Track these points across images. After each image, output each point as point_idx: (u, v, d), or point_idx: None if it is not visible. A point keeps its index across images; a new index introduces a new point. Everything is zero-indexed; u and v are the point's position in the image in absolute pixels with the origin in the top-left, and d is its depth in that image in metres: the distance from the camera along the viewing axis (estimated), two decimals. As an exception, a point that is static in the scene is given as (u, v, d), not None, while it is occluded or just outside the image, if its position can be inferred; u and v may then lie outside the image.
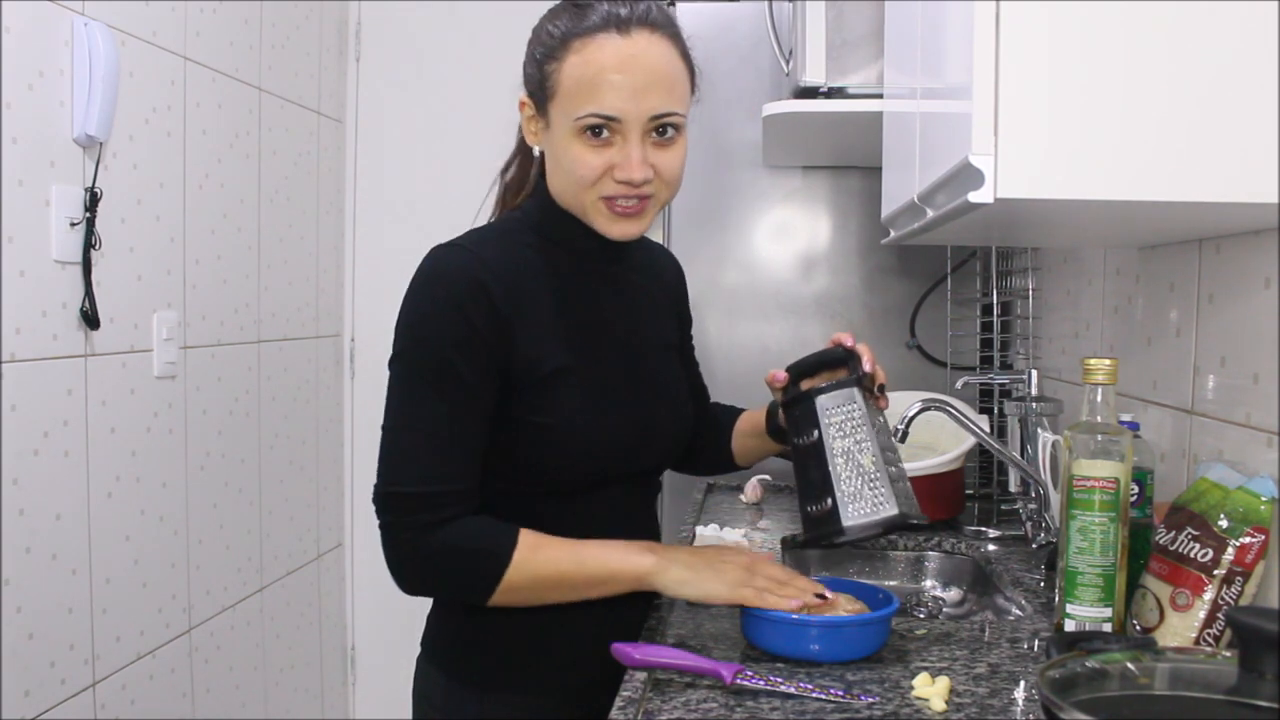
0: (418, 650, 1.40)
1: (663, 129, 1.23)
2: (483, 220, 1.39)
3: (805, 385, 1.36)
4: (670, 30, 1.24)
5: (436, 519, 1.20)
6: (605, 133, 1.21)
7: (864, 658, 1.25)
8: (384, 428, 1.24)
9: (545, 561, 1.22)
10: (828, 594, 1.25)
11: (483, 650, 1.31)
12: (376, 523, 1.24)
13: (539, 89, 1.25)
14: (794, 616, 1.24)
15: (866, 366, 1.32)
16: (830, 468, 1.26)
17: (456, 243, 1.27)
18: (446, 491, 1.21)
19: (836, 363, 1.36)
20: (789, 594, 1.23)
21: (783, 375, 1.38)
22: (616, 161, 1.22)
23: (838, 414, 1.29)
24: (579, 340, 1.29)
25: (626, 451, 1.32)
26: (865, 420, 1.28)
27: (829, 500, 1.25)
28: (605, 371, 1.31)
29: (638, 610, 1.39)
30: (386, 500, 1.22)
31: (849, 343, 1.35)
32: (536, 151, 1.31)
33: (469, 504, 1.23)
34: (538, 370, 1.24)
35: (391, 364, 1.25)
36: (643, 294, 1.43)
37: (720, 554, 1.28)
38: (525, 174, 1.37)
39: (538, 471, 1.27)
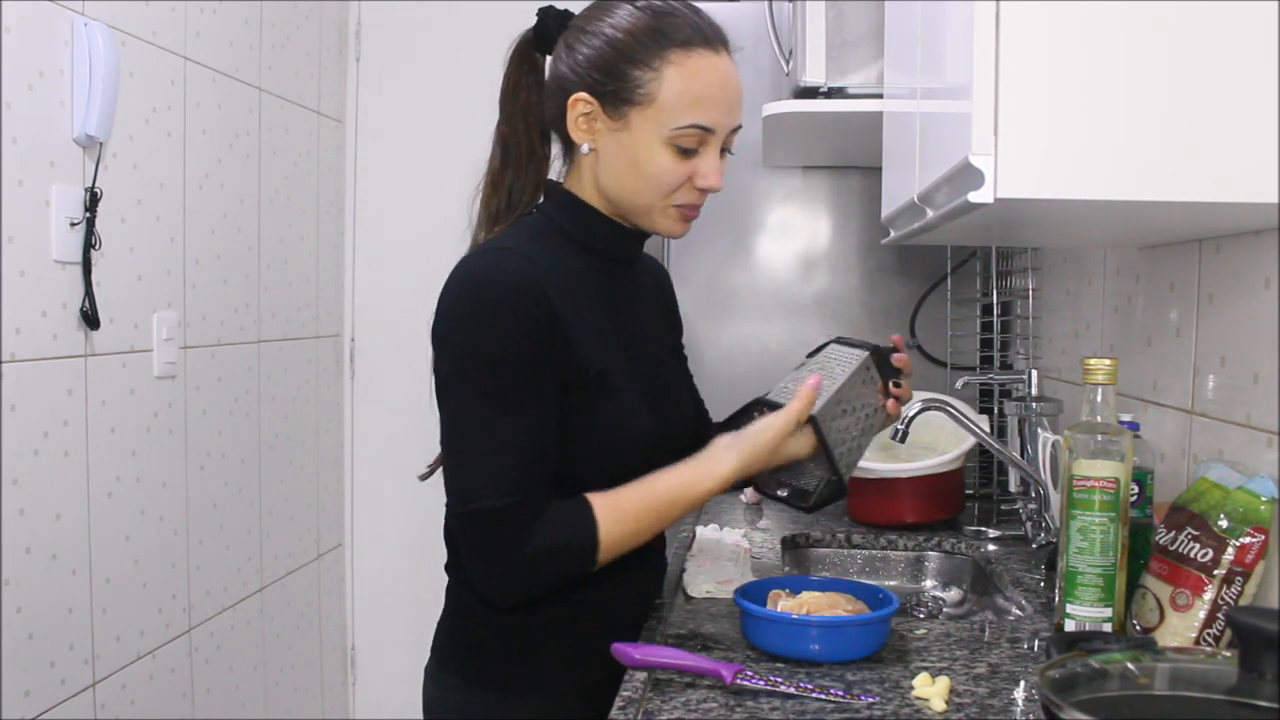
0: (418, 649, 1.40)
1: (727, 146, 1.31)
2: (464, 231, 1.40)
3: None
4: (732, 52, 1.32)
5: (520, 524, 1.20)
6: (691, 149, 1.27)
7: (864, 658, 1.25)
8: (451, 447, 1.23)
9: (627, 514, 1.23)
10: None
11: (497, 653, 1.31)
12: (464, 545, 1.23)
13: (620, 92, 1.25)
14: (794, 616, 1.24)
15: (896, 359, 1.37)
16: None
17: (502, 246, 1.27)
18: (528, 499, 1.20)
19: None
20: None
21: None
22: (700, 171, 1.28)
23: (835, 365, 1.33)
24: (614, 342, 1.31)
25: (655, 452, 1.32)
26: (848, 380, 1.31)
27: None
28: (635, 373, 1.33)
29: (643, 608, 1.40)
30: (469, 519, 1.21)
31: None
32: (585, 149, 1.29)
33: (546, 503, 1.22)
34: (586, 372, 1.25)
35: (452, 376, 1.22)
36: (650, 298, 1.47)
37: (760, 429, 1.27)
38: (534, 176, 1.37)
39: (576, 472, 1.26)
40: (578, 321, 1.25)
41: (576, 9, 1.35)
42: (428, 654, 1.40)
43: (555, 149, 1.38)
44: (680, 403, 1.45)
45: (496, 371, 1.20)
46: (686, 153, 1.27)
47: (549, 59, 1.35)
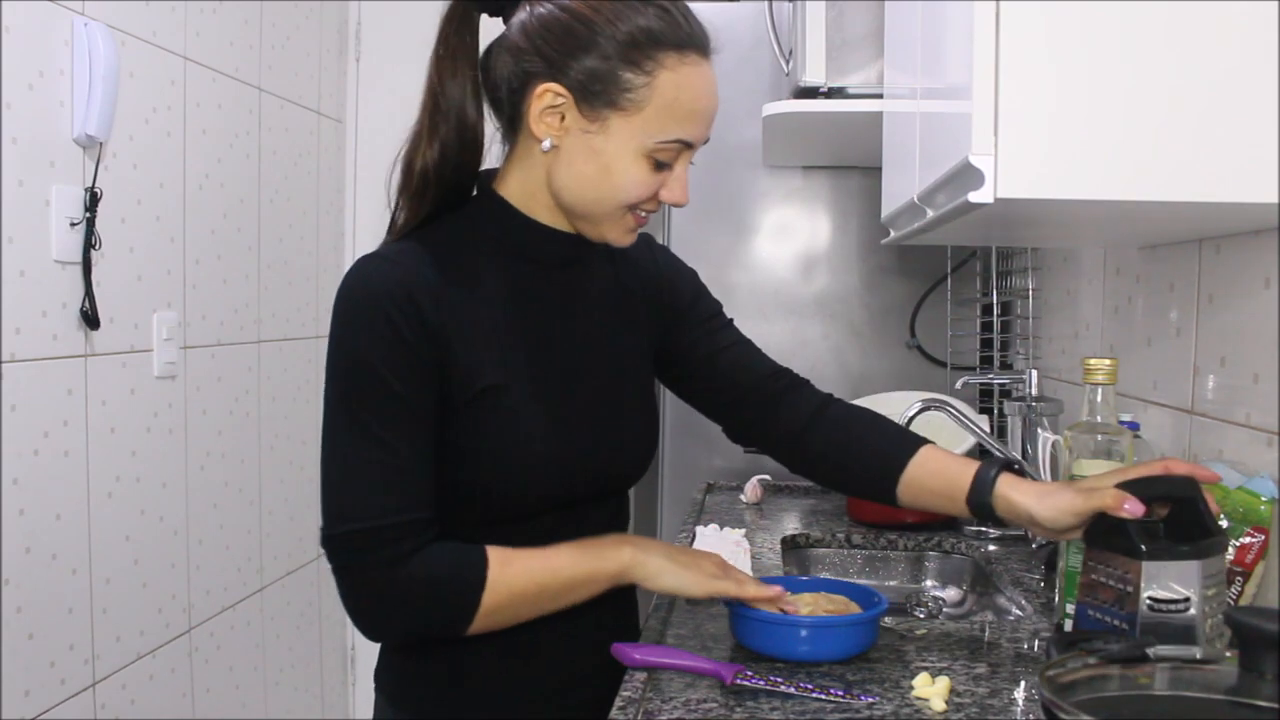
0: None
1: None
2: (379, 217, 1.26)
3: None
4: None
5: (398, 553, 1.09)
6: (672, 158, 1.15)
7: (859, 657, 1.25)
8: (323, 462, 1.12)
9: (520, 574, 1.13)
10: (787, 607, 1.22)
11: (444, 684, 1.22)
12: (332, 568, 1.11)
13: (602, 89, 1.11)
14: (782, 616, 1.24)
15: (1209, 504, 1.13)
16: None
17: (378, 253, 1.16)
18: (405, 522, 1.10)
19: (1180, 498, 1.15)
20: (765, 589, 1.21)
21: (1139, 508, 1.11)
22: (668, 184, 1.16)
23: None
24: (518, 357, 1.18)
25: (564, 477, 1.20)
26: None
27: None
28: (545, 390, 1.19)
29: (624, 612, 1.35)
30: (338, 542, 1.10)
31: (1182, 472, 1.14)
32: (546, 145, 1.14)
33: (429, 532, 1.12)
34: (470, 387, 1.14)
35: (327, 391, 1.13)
36: (606, 303, 1.30)
37: (694, 552, 1.24)
38: (464, 167, 1.20)
39: (473, 499, 1.17)
40: (464, 335, 1.14)
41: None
42: None
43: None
44: (624, 421, 1.27)
45: (361, 387, 1.10)
46: (661, 166, 1.14)
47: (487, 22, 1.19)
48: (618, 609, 1.31)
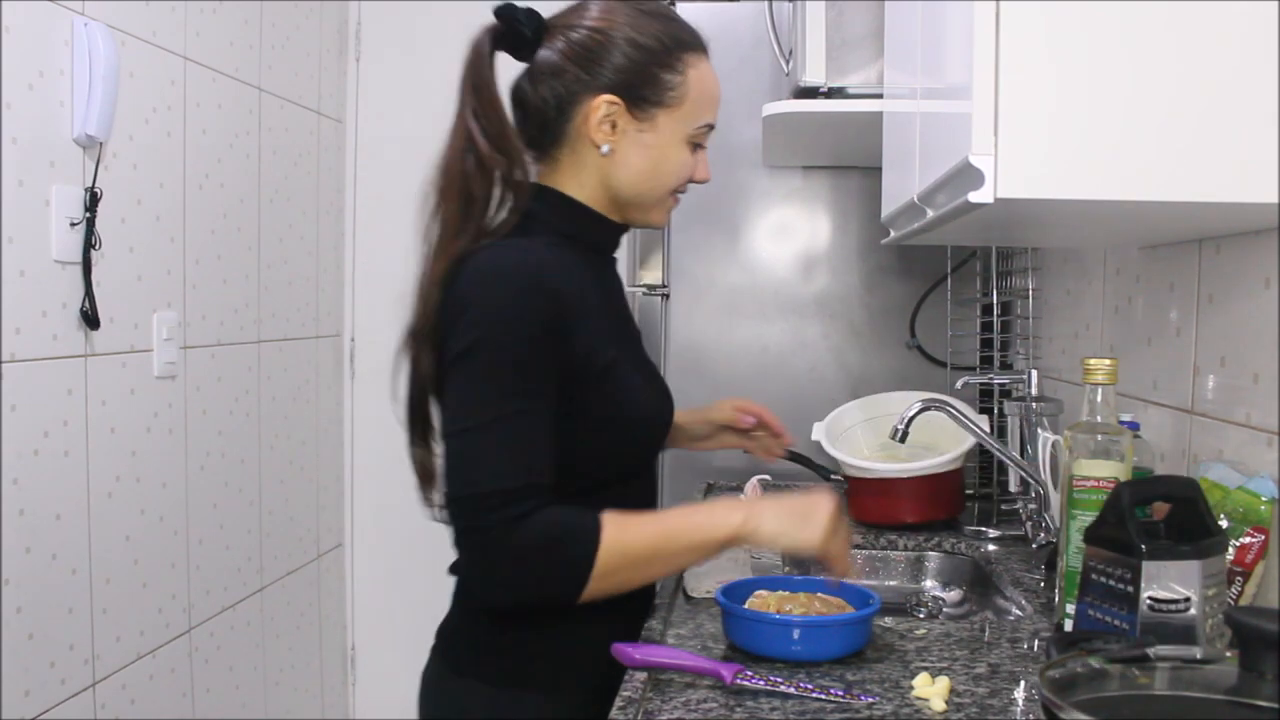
0: (418, 650, 1.40)
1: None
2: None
3: None
4: None
5: (519, 514, 1.15)
6: (704, 141, 1.35)
7: (860, 657, 1.25)
8: (453, 430, 1.20)
9: (635, 539, 1.20)
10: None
11: (504, 651, 1.29)
12: (454, 531, 1.18)
13: (650, 93, 1.28)
14: (775, 615, 1.25)
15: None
16: None
17: (506, 243, 1.26)
18: (527, 485, 1.16)
19: (1180, 498, 1.20)
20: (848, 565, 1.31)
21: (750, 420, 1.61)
22: (698, 165, 1.36)
23: None
24: (614, 332, 1.34)
25: (659, 436, 1.39)
26: None
27: None
28: (634, 360, 1.37)
29: (648, 609, 1.40)
30: (464, 503, 1.17)
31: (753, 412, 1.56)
32: (605, 150, 1.29)
33: (546, 497, 1.18)
34: (594, 363, 1.25)
35: (456, 363, 1.20)
36: (621, 287, 1.49)
37: (807, 501, 1.25)
38: (511, 179, 1.30)
39: (589, 463, 1.27)
40: (582, 314, 1.25)
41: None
42: (427, 654, 1.39)
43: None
44: (666, 386, 1.47)
45: (498, 361, 1.19)
46: (696, 149, 1.34)
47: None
48: None
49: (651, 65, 1.28)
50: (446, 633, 1.37)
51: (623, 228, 1.39)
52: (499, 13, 1.31)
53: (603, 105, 1.27)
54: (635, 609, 1.37)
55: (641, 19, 1.29)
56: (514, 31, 1.30)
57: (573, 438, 1.23)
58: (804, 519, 1.23)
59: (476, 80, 1.30)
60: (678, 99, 1.29)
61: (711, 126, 1.35)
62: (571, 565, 1.17)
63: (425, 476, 1.32)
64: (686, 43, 1.31)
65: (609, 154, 1.30)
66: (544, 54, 1.30)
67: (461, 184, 1.29)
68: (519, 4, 1.32)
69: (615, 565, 1.18)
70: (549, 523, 1.17)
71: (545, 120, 1.31)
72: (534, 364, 1.19)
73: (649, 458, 1.42)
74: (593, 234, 1.36)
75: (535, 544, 1.16)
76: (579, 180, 1.33)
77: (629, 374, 1.31)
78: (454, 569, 1.34)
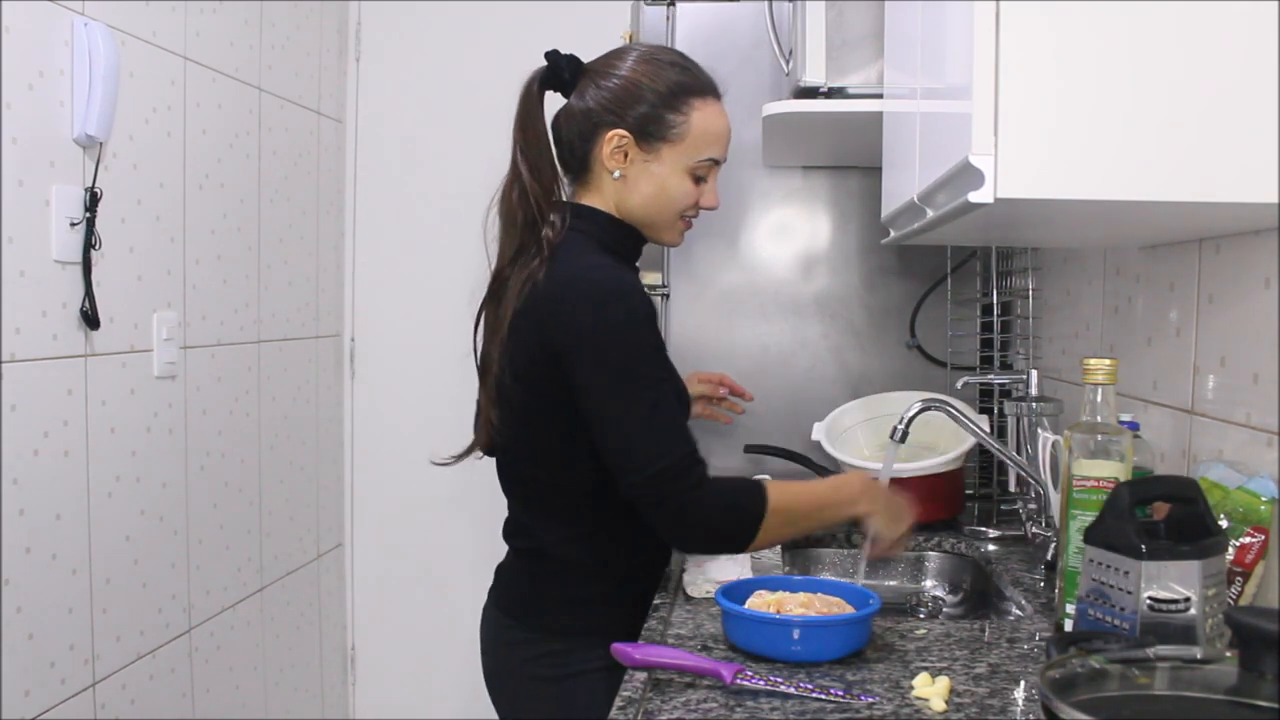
0: (418, 649, 1.44)
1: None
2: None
3: None
4: None
5: (699, 478, 1.41)
6: (706, 173, 1.55)
7: (860, 657, 1.25)
8: (615, 424, 1.42)
9: (790, 500, 1.48)
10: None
11: (555, 601, 1.55)
12: (653, 500, 1.41)
13: (653, 130, 1.51)
14: (774, 615, 1.25)
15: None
16: None
17: (601, 262, 1.49)
18: (694, 452, 1.42)
19: (1180, 498, 1.24)
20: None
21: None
22: (704, 195, 1.57)
23: None
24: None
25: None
26: None
27: None
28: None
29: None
30: (654, 478, 1.39)
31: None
32: (616, 175, 1.53)
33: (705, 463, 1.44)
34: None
35: (598, 368, 1.41)
36: None
37: (904, 505, 1.56)
38: (551, 196, 1.54)
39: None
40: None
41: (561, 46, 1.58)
42: (427, 653, 1.45)
43: None
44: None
45: (640, 357, 1.43)
46: (699, 180, 1.55)
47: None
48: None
49: (660, 108, 1.51)
50: (517, 594, 1.60)
51: (643, 246, 1.61)
52: (547, 56, 1.56)
53: (615, 138, 1.52)
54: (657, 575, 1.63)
55: (659, 70, 1.52)
56: (556, 74, 1.55)
57: None
58: (900, 516, 1.55)
59: (524, 118, 1.55)
60: (679, 135, 1.52)
61: (716, 161, 1.55)
62: (748, 520, 1.43)
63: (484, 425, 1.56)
64: (693, 89, 1.53)
65: (620, 179, 1.53)
66: (577, 95, 1.55)
67: (508, 209, 1.54)
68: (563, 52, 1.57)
69: (775, 522, 1.44)
70: (723, 488, 1.45)
71: (574, 148, 1.55)
72: (663, 358, 1.46)
73: None
74: (626, 245, 1.58)
75: (718, 505, 1.43)
76: (603, 199, 1.56)
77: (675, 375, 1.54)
78: (507, 534, 1.62)
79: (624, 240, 1.57)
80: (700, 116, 1.52)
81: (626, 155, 1.52)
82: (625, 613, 1.52)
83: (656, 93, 1.51)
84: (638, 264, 1.62)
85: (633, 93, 1.51)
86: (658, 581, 1.60)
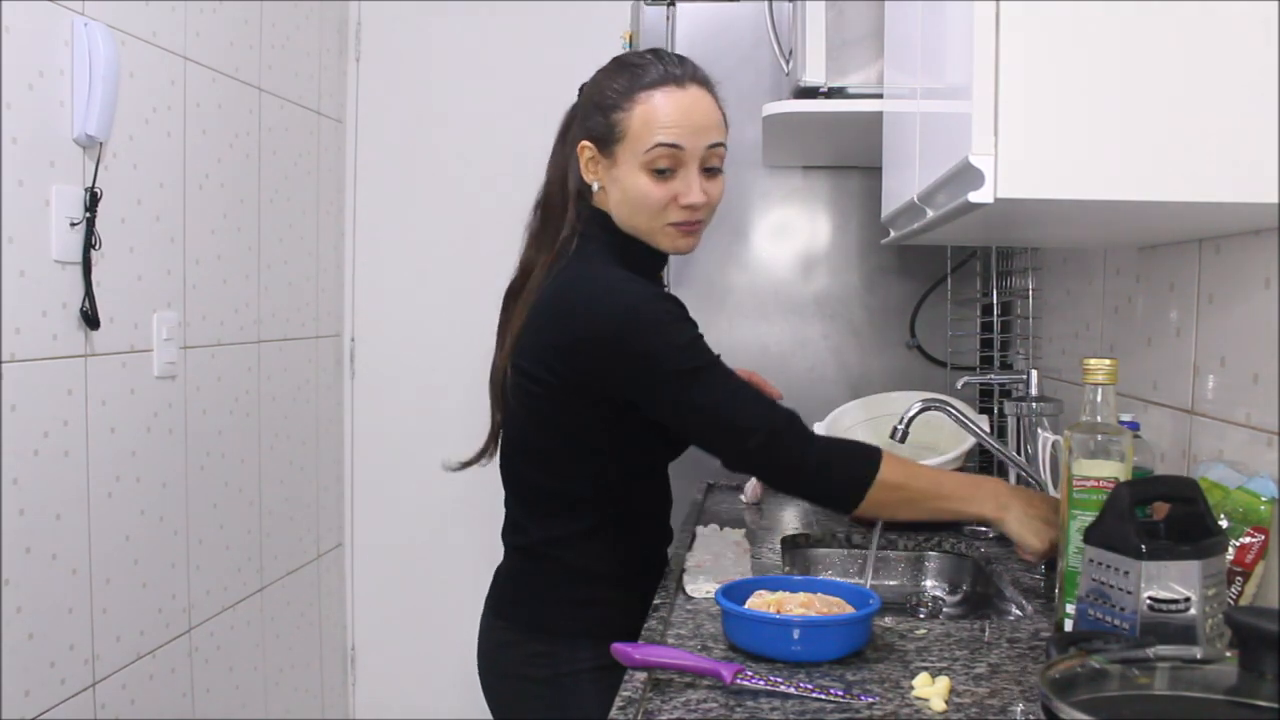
0: (418, 649, 1.44)
1: (711, 169, 1.50)
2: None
3: None
4: (712, 86, 1.52)
5: (804, 432, 1.44)
6: (668, 170, 1.46)
7: (860, 657, 1.25)
8: (706, 405, 1.42)
9: (906, 477, 1.45)
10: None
11: (548, 601, 1.54)
12: (779, 464, 1.43)
13: (606, 133, 1.49)
14: (774, 615, 1.25)
15: None
16: None
17: (619, 275, 1.47)
18: (785, 410, 1.44)
19: (1180, 498, 1.25)
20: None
21: None
22: (679, 190, 1.47)
23: None
24: None
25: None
26: None
27: None
28: None
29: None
30: (767, 443, 1.40)
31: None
32: (596, 187, 1.51)
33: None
34: None
35: (661, 368, 1.41)
36: None
37: (1049, 511, 1.45)
38: (567, 208, 1.55)
39: (635, 454, 1.52)
40: None
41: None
42: (427, 653, 1.45)
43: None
44: None
45: (693, 351, 1.43)
46: (663, 174, 1.47)
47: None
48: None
49: (608, 110, 1.48)
50: (506, 594, 1.60)
51: (658, 255, 1.56)
52: (579, 89, 1.58)
53: (584, 150, 1.52)
54: (654, 582, 1.59)
55: (613, 73, 1.51)
56: None
57: (652, 428, 1.47)
58: (1045, 526, 1.43)
59: (563, 134, 1.59)
60: (623, 133, 1.47)
61: (669, 145, 1.45)
62: (852, 484, 1.43)
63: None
64: (640, 83, 1.47)
65: (601, 190, 1.52)
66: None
67: (546, 209, 1.57)
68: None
69: (885, 496, 1.43)
70: (838, 447, 1.48)
71: (575, 167, 1.56)
72: (708, 347, 1.45)
73: (674, 455, 1.61)
74: (641, 256, 1.54)
75: (829, 460, 1.44)
76: (615, 213, 1.53)
77: None
78: (504, 532, 1.61)
79: (629, 248, 1.54)
80: (643, 109, 1.46)
81: (598, 166, 1.51)
82: (618, 614, 1.51)
83: (606, 96, 1.49)
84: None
85: (590, 100, 1.52)
86: (653, 585, 1.58)
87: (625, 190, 1.49)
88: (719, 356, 1.46)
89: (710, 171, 1.50)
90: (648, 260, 1.56)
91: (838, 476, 1.44)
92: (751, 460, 1.46)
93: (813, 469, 1.43)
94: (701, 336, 1.46)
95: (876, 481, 1.42)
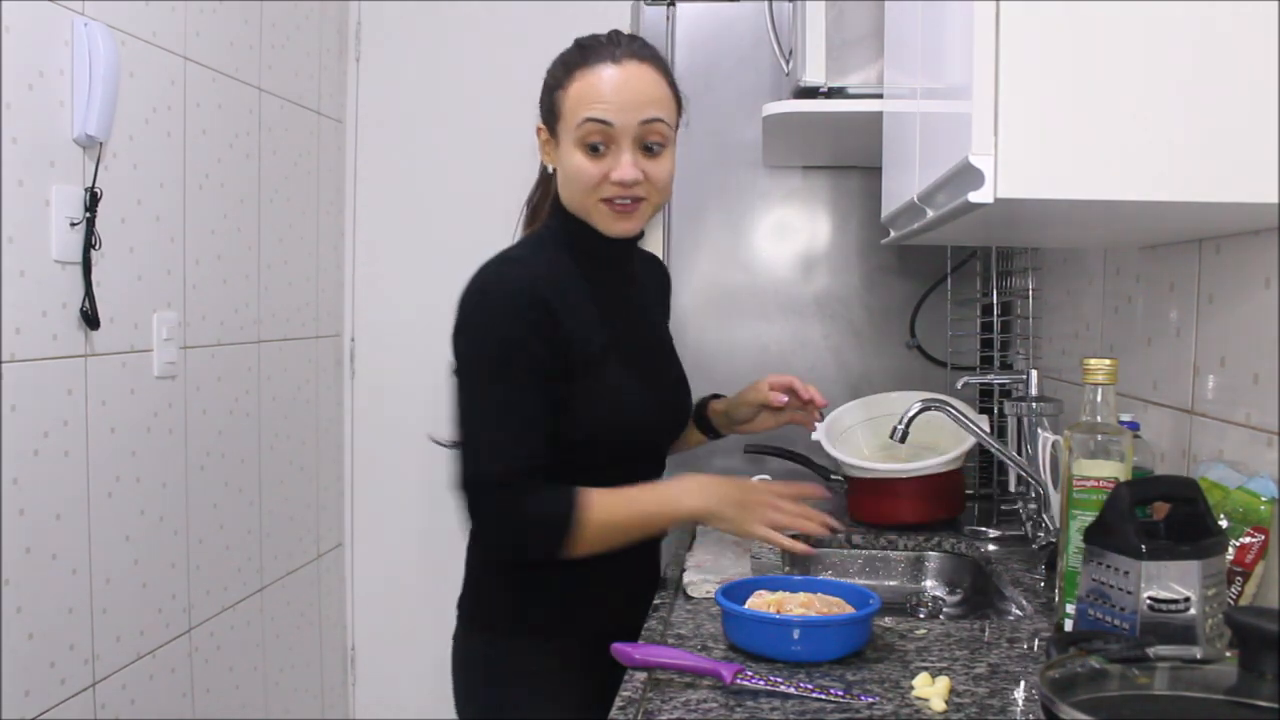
0: (418, 649, 1.45)
1: (650, 146, 1.46)
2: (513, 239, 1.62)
3: None
4: (657, 62, 1.49)
5: (520, 492, 1.39)
6: (602, 147, 1.44)
7: (860, 657, 1.25)
8: (462, 423, 1.42)
9: (604, 511, 1.41)
10: (834, 524, 1.55)
11: (504, 605, 1.54)
12: (471, 507, 1.42)
13: (550, 114, 1.49)
14: (774, 615, 1.25)
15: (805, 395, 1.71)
16: None
17: (504, 255, 1.50)
18: (527, 467, 1.40)
19: (1180, 498, 1.23)
20: (814, 520, 1.51)
21: (782, 398, 1.72)
22: (611, 167, 1.44)
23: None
24: (614, 326, 1.51)
25: (659, 423, 1.58)
26: None
27: None
28: (638, 353, 1.54)
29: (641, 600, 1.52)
30: (479, 479, 1.40)
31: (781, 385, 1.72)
32: (550, 169, 1.52)
33: (540, 477, 1.41)
34: (588, 350, 1.45)
35: (465, 366, 1.43)
36: (646, 292, 1.68)
37: (746, 492, 1.49)
38: (546, 196, 1.58)
39: (586, 447, 1.46)
40: (575, 311, 1.45)
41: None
42: (427, 653, 1.46)
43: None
44: (678, 379, 1.67)
45: (500, 361, 1.40)
46: (595, 150, 1.45)
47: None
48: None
49: (553, 91, 1.49)
50: (466, 599, 1.61)
51: (612, 240, 1.51)
52: None
53: (539, 132, 1.53)
54: (629, 568, 1.56)
55: (560, 58, 1.50)
56: None
57: (568, 429, 1.44)
58: (742, 509, 1.47)
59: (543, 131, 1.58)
60: (560, 111, 1.47)
61: (598, 121, 1.43)
62: (556, 535, 1.39)
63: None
64: (574, 64, 1.47)
65: (554, 172, 1.52)
66: None
67: (531, 202, 1.61)
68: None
69: (592, 534, 1.40)
70: (539, 501, 1.40)
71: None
72: (521, 359, 1.40)
73: (643, 456, 1.56)
74: (588, 241, 1.51)
75: (529, 517, 1.40)
76: (561, 196, 1.53)
77: (620, 375, 1.49)
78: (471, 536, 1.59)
79: (581, 235, 1.51)
80: (578, 85, 1.45)
81: (551, 148, 1.52)
82: (585, 614, 1.51)
83: (552, 76, 1.50)
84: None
85: (545, 87, 1.52)
86: (614, 585, 1.53)
87: (564, 168, 1.48)
88: (529, 381, 1.41)
89: (650, 149, 1.46)
90: (601, 249, 1.52)
91: (533, 536, 1.42)
92: (467, 489, 1.43)
93: (510, 530, 1.43)
94: (525, 349, 1.40)
95: (578, 532, 1.39)
